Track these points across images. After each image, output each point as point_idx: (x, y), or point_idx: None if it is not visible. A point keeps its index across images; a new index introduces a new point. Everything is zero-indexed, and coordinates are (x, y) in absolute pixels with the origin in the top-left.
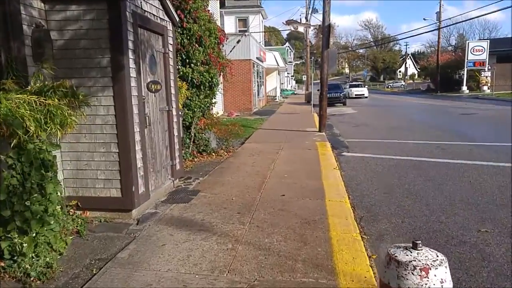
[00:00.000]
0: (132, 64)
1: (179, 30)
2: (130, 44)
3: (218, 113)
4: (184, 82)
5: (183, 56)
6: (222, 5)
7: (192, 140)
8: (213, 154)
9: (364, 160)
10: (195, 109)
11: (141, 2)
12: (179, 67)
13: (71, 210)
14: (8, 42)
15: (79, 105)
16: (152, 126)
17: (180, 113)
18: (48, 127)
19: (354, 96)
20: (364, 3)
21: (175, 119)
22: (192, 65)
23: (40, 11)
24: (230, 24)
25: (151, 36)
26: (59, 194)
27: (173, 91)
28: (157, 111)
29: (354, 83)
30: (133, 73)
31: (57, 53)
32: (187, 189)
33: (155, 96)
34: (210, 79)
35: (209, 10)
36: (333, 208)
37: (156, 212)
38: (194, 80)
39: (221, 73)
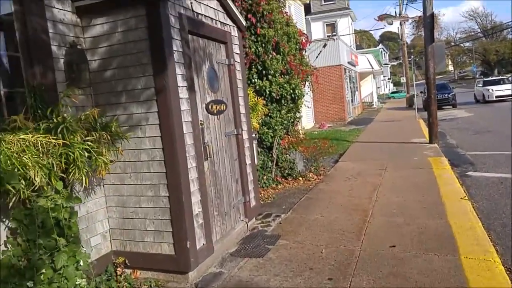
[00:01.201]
0: (181, 82)
1: (252, 37)
2: (177, 56)
3: (304, 128)
4: (261, 98)
5: (259, 67)
6: (308, 11)
7: (274, 162)
8: (300, 178)
9: (504, 184)
10: (276, 127)
11: (191, 2)
12: (255, 80)
13: (119, 268)
14: (31, 67)
15: (112, 141)
16: (215, 157)
17: (255, 135)
18: (70, 173)
19: (495, 99)
20: None
21: (246, 144)
22: (270, 76)
23: (74, 27)
24: (317, 30)
25: (209, 44)
26: (82, 263)
27: (242, 110)
28: (221, 137)
29: (490, 78)
30: (183, 93)
31: (93, 76)
32: (265, 232)
33: (218, 118)
34: (291, 91)
35: (286, 12)
36: (475, 272)
37: (221, 273)
38: (273, 93)
39: (305, 82)
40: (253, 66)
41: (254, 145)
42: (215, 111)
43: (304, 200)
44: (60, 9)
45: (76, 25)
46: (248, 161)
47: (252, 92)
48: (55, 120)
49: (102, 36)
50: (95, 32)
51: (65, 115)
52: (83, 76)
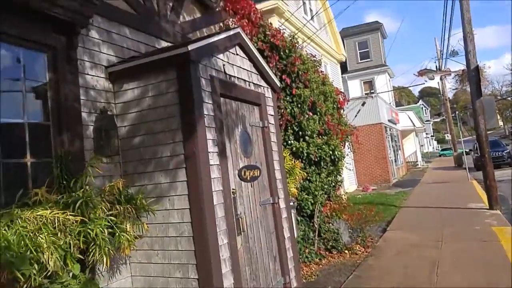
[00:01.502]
0: (212, 147)
1: (287, 97)
2: (208, 120)
3: (346, 192)
4: (298, 160)
5: (295, 128)
6: (344, 69)
7: (317, 233)
8: (346, 251)
9: None
10: (317, 192)
11: (223, 64)
12: (291, 141)
13: None
14: (60, 135)
15: (138, 214)
16: (249, 230)
17: (293, 202)
18: (90, 253)
19: None
20: (505, 43)
21: (284, 214)
22: (307, 137)
23: (105, 93)
24: (355, 88)
25: (242, 106)
26: None
27: (278, 175)
28: (256, 206)
29: None
30: (214, 159)
31: (122, 143)
32: None
33: (251, 186)
34: (331, 152)
35: (322, 71)
36: None
37: None
38: (311, 155)
39: (345, 143)
40: (289, 127)
41: (293, 215)
42: (248, 178)
43: (353, 279)
44: (93, 76)
45: (108, 90)
46: (286, 234)
47: (289, 155)
48: (75, 194)
49: (132, 101)
50: (126, 97)
51: (87, 187)
52: (112, 143)
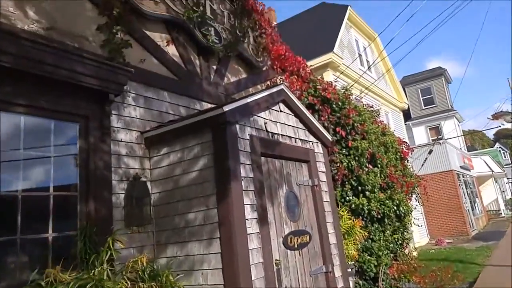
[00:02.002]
0: (250, 213)
1: (343, 150)
2: (246, 183)
3: (417, 246)
4: (358, 218)
5: (353, 182)
6: (408, 117)
7: None
8: None
9: None
10: (380, 252)
11: (265, 122)
12: (350, 197)
13: None
14: (86, 205)
15: None
16: None
17: (351, 269)
18: None
19: None
20: None
21: (340, 284)
22: (367, 193)
23: (139, 159)
24: (420, 135)
25: (288, 165)
26: None
27: (332, 239)
28: (305, 278)
29: None
30: (252, 227)
31: (155, 211)
32: None
33: (300, 254)
34: (395, 207)
35: (381, 121)
36: None
37: None
38: (372, 212)
39: (412, 195)
40: (346, 182)
41: (351, 283)
42: (295, 245)
43: None
44: (128, 142)
45: (143, 156)
46: None
47: (347, 213)
48: (92, 272)
49: (167, 167)
50: (161, 163)
51: (109, 263)
52: (144, 212)
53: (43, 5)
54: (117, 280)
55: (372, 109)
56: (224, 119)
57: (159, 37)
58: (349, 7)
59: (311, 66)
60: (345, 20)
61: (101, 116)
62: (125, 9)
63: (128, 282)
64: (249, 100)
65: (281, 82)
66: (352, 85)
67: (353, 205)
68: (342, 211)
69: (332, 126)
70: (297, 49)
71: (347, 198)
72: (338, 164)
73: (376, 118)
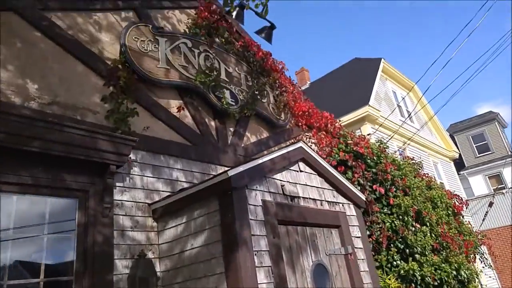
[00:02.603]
0: None
1: (384, 209)
2: (259, 259)
3: None
4: (411, 286)
5: (399, 245)
6: (461, 166)
7: None
8: None
9: None
10: None
11: (282, 185)
12: (397, 262)
13: None
14: None
15: None
16: None
17: None
18: None
19: None
20: None
21: None
22: (417, 256)
23: (146, 234)
24: (478, 185)
25: (314, 232)
26: None
27: None
28: None
29: None
30: None
31: None
32: None
33: None
34: (454, 271)
35: (426, 174)
36: None
37: None
38: (426, 279)
39: (475, 256)
40: (392, 245)
41: None
42: None
43: None
44: (133, 216)
45: (150, 230)
46: None
47: (395, 280)
48: None
49: (174, 241)
50: (169, 237)
51: None
52: None
53: (46, 80)
54: None
55: (413, 161)
56: (229, 185)
57: (171, 103)
58: (382, 60)
59: (347, 120)
60: (379, 72)
61: (102, 190)
62: (132, 78)
63: None
64: (260, 161)
65: (307, 139)
66: (391, 137)
67: (402, 271)
68: (389, 279)
69: (368, 183)
70: (331, 105)
71: (394, 263)
72: (380, 225)
73: (419, 170)
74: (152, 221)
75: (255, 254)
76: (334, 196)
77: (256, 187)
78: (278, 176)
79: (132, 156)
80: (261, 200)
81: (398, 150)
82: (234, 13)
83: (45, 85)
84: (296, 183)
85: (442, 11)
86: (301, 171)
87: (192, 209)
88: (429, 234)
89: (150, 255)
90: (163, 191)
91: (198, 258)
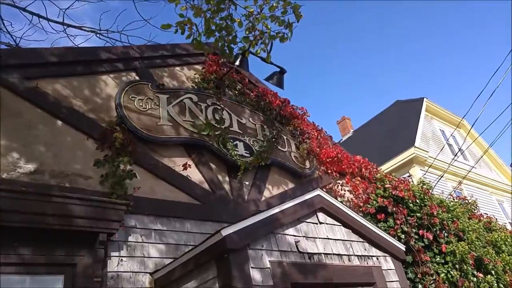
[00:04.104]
0: None
1: (436, 258)
2: None
3: None
4: None
5: None
6: None
7: None
8: None
9: None
10: None
11: (295, 241)
12: None
13: None
14: None
15: None
16: None
17: None
18: None
19: None
20: None
21: None
22: None
23: None
24: None
25: None
26: None
27: None
28: None
29: None
30: None
31: None
32: None
33: None
34: None
35: (481, 215)
36: None
37: None
38: None
39: None
40: None
41: None
42: None
43: None
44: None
45: None
46: None
47: None
48: None
49: None
50: None
51: None
52: None
53: (30, 148)
54: None
55: (465, 201)
56: (224, 247)
57: (176, 162)
58: (425, 99)
59: (394, 165)
60: (423, 112)
61: (92, 261)
62: (128, 139)
63: None
64: (266, 215)
65: (338, 186)
66: (440, 177)
67: None
68: None
69: (413, 230)
70: (376, 151)
71: None
72: (434, 277)
73: (474, 211)
74: None
75: None
76: (365, 249)
77: (262, 246)
78: (290, 231)
79: (131, 221)
80: (269, 261)
81: (454, 191)
82: (237, 62)
83: (29, 154)
84: (315, 237)
85: (477, 36)
86: (320, 223)
87: (193, 276)
88: (496, 284)
89: None
90: (167, 257)
91: None
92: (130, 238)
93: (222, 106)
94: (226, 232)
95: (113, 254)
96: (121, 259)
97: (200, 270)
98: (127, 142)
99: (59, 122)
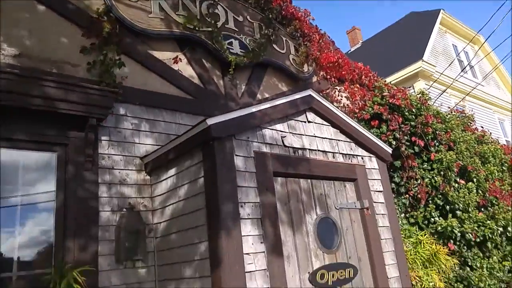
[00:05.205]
0: (253, 246)
1: (424, 164)
2: (247, 210)
3: None
4: (450, 242)
5: (438, 201)
6: None
7: None
8: None
9: None
10: (482, 284)
11: (282, 136)
12: (435, 219)
13: None
14: (63, 241)
15: None
16: None
17: None
18: None
19: None
20: None
21: None
22: (459, 212)
23: (139, 187)
24: None
25: (321, 186)
26: None
27: (393, 272)
28: None
29: None
30: (257, 263)
31: (157, 243)
32: None
33: None
34: (501, 228)
35: (476, 128)
36: None
37: None
38: (467, 235)
39: None
40: (430, 201)
41: None
42: (330, 283)
43: None
44: (122, 169)
45: (143, 184)
46: None
47: (428, 236)
48: None
49: (166, 194)
50: (161, 190)
51: None
52: (140, 245)
53: (13, 32)
54: None
55: (464, 115)
56: (209, 135)
57: (168, 56)
58: (441, 11)
59: (399, 78)
60: (437, 25)
61: (84, 143)
62: (116, 28)
63: None
64: (253, 109)
65: (336, 92)
66: (443, 92)
67: (439, 228)
68: (421, 236)
69: (405, 137)
70: (383, 63)
71: (432, 219)
72: (419, 181)
73: (470, 124)
74: (145, 175)
75: (241, 206)
76: (351, 149)
77: (248, 138)
78: (278, 126)
79: (122, 110)
80: (254, 151)
81: (456, 106)
82: None
83: (11, 37)
84: (301, 134)
85: None
86: (309, 121)
87: (180, 160)
88: (475, 190)
89: (143, 208)
90: (158, 145)
91: (185, 210)
92: (121, 125)
93: (218, 1)
94: (211, 121)
95: (103, 138)
96: (112, 143)
97: (187, 156)
98: (115, 32)
99: (42, 7)
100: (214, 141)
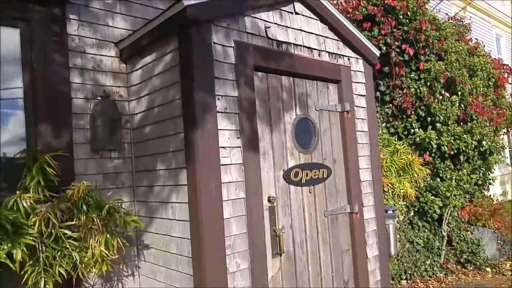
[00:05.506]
0: (229, 141)
1: (411, 74)
2: (225, 104)
3: (505, 193)
4: (426, 154)
5: (420, 113)
6: None
7: (444, 242)
8: (488, 269)
9: None
10: (449, 193)
11: (266, 27)
12: (415, 130)
13: None
14: (34, 126)
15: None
16: (299, 250)
17: (393, 210)
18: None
19: None
20: None
21: (370, 227)
22: (438, 125)
23: (114, 75)
24: None
25: (303, 85)
26: None
27: (367, 175)
28: (314, 218)
29: None
30: (233, 157)
31: (134, 134)
32: None
33: (310, 191)
34: (475, 142)
35: (471, 39)
36: None
37: None
38: (443, 148)
39: (508, 130)
40: (413, 112)
41: (391, 227)
42: (303, 181)
43: None
44: (95, 54)
45: (118, 72)
46: (372, 253)
47: (405, 146)
48: None
49: (142, 82)
50: (136, 78)
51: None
52: (115, 135)
53: None
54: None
55: (460, 23)
56: (185, 18)
57: None
58: None
59: None
60: None
61: (49, 20)
62: None
63: (61, 213)
64: None
65: None
66: None
67: (417, 139)
68: (399, 145)
69: (396, 43)
70: None
71: (412, 130)
72: (404, 91)
73: (465, 34)
74: (120, 62)
75: (218, 99)
76: (338, 48)
77: (228, 25)
78: (262, 15)
79: None
80: (234, 41)
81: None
82: None
83: None
84: (287, 26)
85: None
86: (296, 13)
87: (157, 47)
88: (457, 104)
89: (118, 98)
90: (134, 30)
91: (162, 100)
92: (92, 4)
93: None
94: (187, 2)
95: (72, 17)
96: (82, 23)
97: (163, 42)
98: None
99: None
100: (190, 25)
